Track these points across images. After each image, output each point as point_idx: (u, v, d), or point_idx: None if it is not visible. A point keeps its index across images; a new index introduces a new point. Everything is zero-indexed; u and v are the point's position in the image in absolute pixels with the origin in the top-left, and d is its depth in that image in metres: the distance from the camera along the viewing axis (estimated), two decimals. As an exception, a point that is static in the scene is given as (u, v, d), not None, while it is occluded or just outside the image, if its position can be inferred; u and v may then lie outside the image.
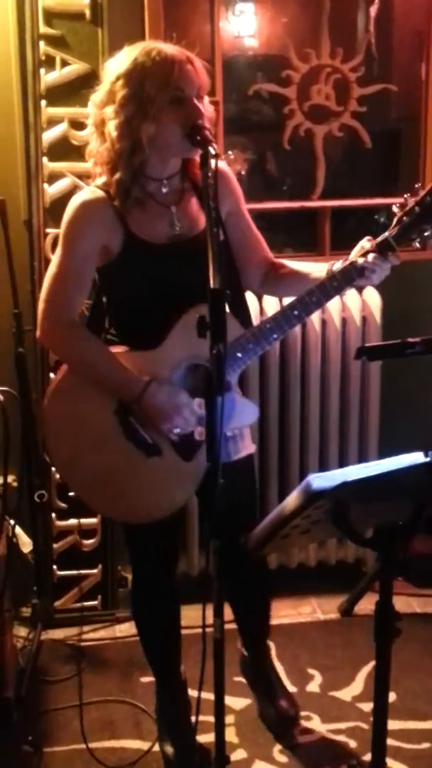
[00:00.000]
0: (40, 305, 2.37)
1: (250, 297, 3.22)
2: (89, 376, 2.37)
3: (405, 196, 2.33)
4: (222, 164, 2.44)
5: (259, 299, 3.28)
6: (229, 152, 2.77)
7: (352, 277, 2.33)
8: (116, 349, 2.38)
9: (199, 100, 2.26)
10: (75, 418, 2.40)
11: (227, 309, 2.38)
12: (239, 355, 2.35)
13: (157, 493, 2.41)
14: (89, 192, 2.35)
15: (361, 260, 2.30)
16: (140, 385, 2.29)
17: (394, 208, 2.33)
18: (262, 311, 3.26)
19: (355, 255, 2.34)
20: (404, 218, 2.31)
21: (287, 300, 2.41)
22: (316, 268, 2.47)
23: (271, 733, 2.80)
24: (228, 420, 2.36)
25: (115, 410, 2.34)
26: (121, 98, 2.23)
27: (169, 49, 2.25)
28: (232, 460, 2.48)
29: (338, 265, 2.36)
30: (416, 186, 2.36)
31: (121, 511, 2.48)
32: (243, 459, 2.55)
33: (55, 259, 2.37)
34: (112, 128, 2.25)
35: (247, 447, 2.58)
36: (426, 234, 2.32)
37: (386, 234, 2.32)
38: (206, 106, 2.30)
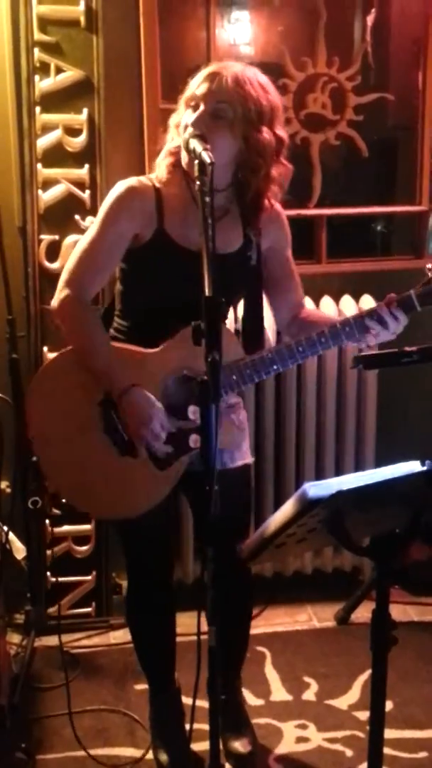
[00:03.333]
0: (63, 275, 2.39)
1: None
2: (84, 360, 2.37)
3: None
4: (278, 207, 2.52)
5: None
6: None
7: (364, 325, 2.33)
8: (118, 344, 2.42)
9: (222, 116, 2.27)
10: (59, 398, 2.41)
11: (237, 329, 2.41)
12: (234, 377, 2.34)
13: (122, 493, 2.40)
14: (137, 179, 2.39)
15: (381, 312, 2.31)
16: (124, 385, 2.30)
17: (429, 266, 2.30)
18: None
19: (374, 306, 2.36)
20: None
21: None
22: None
23: (228, 762, 2.70)
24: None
25: (100, 401, 2.34)
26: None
27: (229, 66, 2.33)
28: (223, 468, 2.47)
29: None
30: None
31: (82, 500, 2.47)
32: (238, 468, 2.54)
33: (88, 234, 2.39)
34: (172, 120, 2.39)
35: (243, 457, 2.56)
36: None
37: (410, 291, 2.31)
38: (263, 136, 2.32)
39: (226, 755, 2.71)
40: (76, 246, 2.41)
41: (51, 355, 3.20)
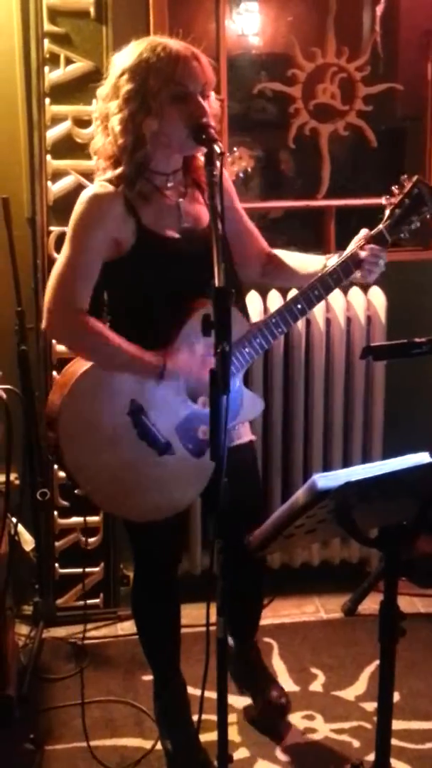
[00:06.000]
0: (48, 296, 2.35)
1: (253, 295, 3.24)
2: (105, 365, 2.33)
3: (393, 188, 2.43)
4: None
5: (263, 297, 3.28)
6: (235, 149, 2.78)
7: (350, 269, 2.40)
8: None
9: (205, 97, 2.27)
10: (89, 420, 2.35)
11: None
12: (246, 350, 2.36)
13: (169, 491, 2.40)
14: (99, 186, 2.35)
15: (362, 253, 2.39)
16: (159, 361, 2.30)
17: (383, 201, 2.44)
18: (265, 309, 3.26)
19: (352, 247, 2.42)
20: (396, 210, 2.43)
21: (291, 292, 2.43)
22: (310, 259, 2.54)
23: (256, 726, 2.79)
24: (236, 414, 2.42)
25: (128, 411, 2.33)
26: (125, 93, 2.25)
27: (175, 45, 2.25)
28: (233, 446, 2.49)
29: (333, 258, 2.43)
30: (402, 178, 2.45)
31: (132, 510, 2.46)
32: (244, 445, 2.56)
33: (63, 252, 2.36)
34: (115, 123, 2.27)
35: (247, 433, 2.59)
36: (413, 227, 2.45)
37: (380, 226, 2.43)
38: (212, 103, 2.31)
39: (251, 716, 2.84)
40: (54, 267, 2.37)
41: (60, 347, 3.20)
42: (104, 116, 2.31)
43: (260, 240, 2.64)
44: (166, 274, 2.34)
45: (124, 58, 2.27)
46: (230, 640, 2.86)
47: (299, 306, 2.40)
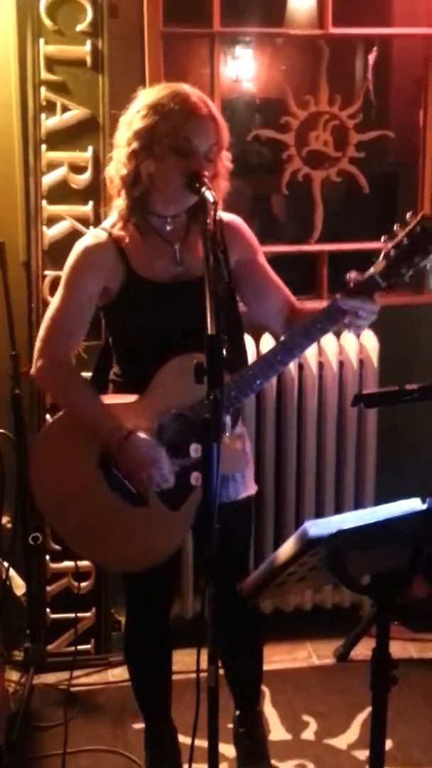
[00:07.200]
0: (37, 344, 2.42)
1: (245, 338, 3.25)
2: (78, 419, 2.40)
3: (395, 226, 2.28)
4: (232, 216, 2.47)
5: (256, 341, 3.29)
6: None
7: (336, 318, 2.32)
8: (107, 399, 2.41)
9: (210, 159, 2.28)
10: (60, 467, 2.39)
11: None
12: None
13: (145, 543, 2.40)
14: (92, 236, 2.40)
15: (343, 304, 2.29)
16: (121, 434, 2.30)
17: (383, 241, 2.29)
18: (258, 353, 3.27)
19: (337, 295, 2.33)
20: (391, 253, 2.27)
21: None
22: None
23: None
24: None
25: (98, 463, 2.34)
26: (135, 129, 2.29)
27: (196, 99, 2.27)
28: (230, 501, 2.48)
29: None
30: (408, 214, 2.31)
31: (110, 560, 2.48)
32: (242, 500, 2.54)
33: (55, 300, 2.42)
34: (121, 154, 2.32)
35: (248, 488, 2.57)
36: (420, 266, 2.26)
37: (371, 271, 2.29)
38: (220, 164, 2.33)
39: None
40: (46, 314, 2.43)
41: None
42: (119, 144, 2.35)
43: (285, 293, 2.56)
44: (149, 317, 2.36)
45: (148, 95, 2.31)
46: (236, 710, 2.81)
47: (279, 357, 2.34)
